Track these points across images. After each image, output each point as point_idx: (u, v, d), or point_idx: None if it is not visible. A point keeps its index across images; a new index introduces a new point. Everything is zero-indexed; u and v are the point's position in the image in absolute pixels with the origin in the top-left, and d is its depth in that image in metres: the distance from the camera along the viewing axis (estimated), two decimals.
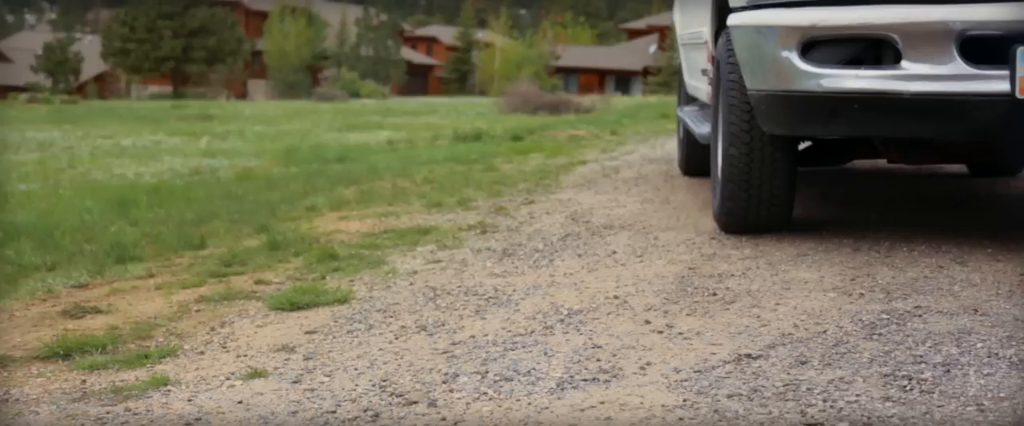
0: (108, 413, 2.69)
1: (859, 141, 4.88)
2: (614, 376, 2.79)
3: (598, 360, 2.93)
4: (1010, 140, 4.34)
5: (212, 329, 3.52)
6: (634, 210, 5.63)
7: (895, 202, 5.67)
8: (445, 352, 3.07)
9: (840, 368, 2.76)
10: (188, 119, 22.55)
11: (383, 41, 58.03)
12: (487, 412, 2.55)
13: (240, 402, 2.72)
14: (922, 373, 2.70)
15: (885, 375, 2.69)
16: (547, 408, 2.56)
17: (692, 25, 6.19)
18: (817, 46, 3.99)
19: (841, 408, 2.47)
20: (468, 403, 2.62)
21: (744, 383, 2.67)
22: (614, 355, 2.97)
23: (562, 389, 2.69)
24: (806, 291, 3.62)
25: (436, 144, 13.28)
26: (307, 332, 3.39)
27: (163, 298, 4.03)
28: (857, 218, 5.04)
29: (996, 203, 5.84)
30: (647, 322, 3.30)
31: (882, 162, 5.53)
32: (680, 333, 3.17)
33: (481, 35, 61.61)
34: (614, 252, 4.45)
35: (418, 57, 64.17)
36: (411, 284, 4.03)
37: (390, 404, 2.64)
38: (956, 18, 3.75)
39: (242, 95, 53.31)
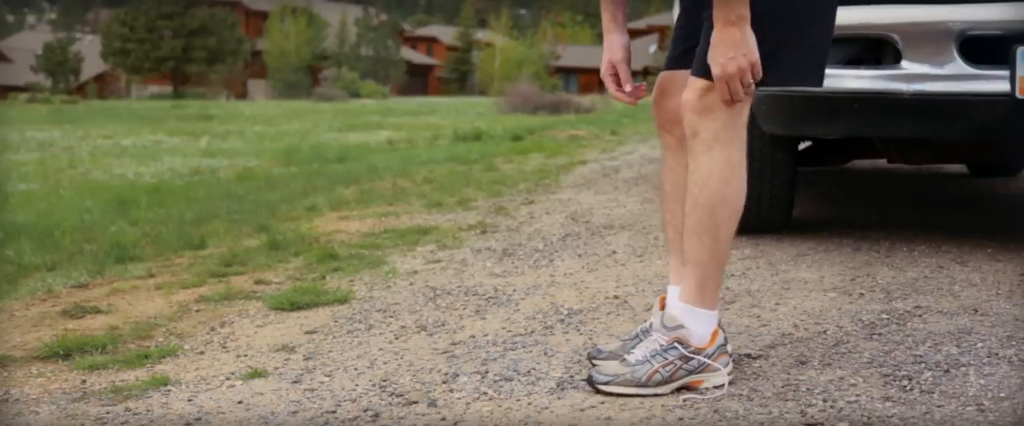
0: (108, 413, 2.69)
1: (859, 141, 4.88)
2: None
3: None
4: (1010, 140, 4.34)
5: (212, 329, 3.52)
6: (634, 210, 5.63)
7: (895, 202, 5.67)
8: (445, 352, 3.07)
9: (840, 368, 2.76)
10: (188, 119, 22.55)
11: (383, 41, 58.05)
12: (487, 412, 2.55)
13: (240, 402, 2.72)
14: (922, 373, 2.69)
15: (885, 375, 2.69)
16: (547, 408, 2.56)
17: None
18: None
19: (841, 408, 2.47)
20: (468, 403, 2.62)
21: (744, 383, 2.67)
22: None
23: (562, 389, 2.69)
24: (806, 291, 3.62)
25: (436, 144, 13.28)
26: (307, 332, 3.39)
27: (163, 298, 4.03)
28: (857, 218, 5.03)
29: (996, 203, 5.84)
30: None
31: (882, 162, 5.53)
32: None
33: (481, 35, 61.64)
34: (614, 252, 4.45)
35: (418, 57, 64.18)
36: (411, 284, 4.03)
37: (390, 404, 2.64)
38: (956, 18, 3.75)
39: (242, 95, 53.32)
